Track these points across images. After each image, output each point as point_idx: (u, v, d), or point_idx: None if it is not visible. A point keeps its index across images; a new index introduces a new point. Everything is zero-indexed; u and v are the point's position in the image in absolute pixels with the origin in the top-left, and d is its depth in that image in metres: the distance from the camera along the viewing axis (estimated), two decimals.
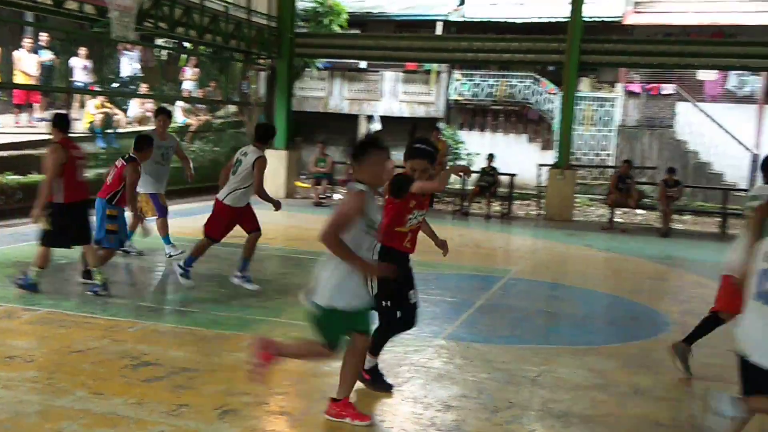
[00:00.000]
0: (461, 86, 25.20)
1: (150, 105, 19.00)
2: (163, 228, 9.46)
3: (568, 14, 16.22)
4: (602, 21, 23.27)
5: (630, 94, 24.48)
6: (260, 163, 7.69)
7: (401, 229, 5.04)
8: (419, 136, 5.26)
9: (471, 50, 17.69)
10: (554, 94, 23.78)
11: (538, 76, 24.52)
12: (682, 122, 23.66)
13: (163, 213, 9.42)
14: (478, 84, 25.05)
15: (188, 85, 20.07)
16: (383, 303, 5.03)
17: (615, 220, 16.07)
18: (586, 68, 20.90)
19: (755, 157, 22.75)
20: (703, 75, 23.61)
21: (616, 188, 15.52)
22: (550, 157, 21.08)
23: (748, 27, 22.63)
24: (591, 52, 16.43)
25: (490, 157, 16.77)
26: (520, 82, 24.68)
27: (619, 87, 24.57)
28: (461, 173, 5.97)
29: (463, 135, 24.85)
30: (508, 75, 24.80)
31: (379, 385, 5.18)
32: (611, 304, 8.95)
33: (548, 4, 23.37)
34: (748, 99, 23.57)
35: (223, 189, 7.86)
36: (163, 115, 9.61)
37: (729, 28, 23.11)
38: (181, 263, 7.94)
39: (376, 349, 5.15)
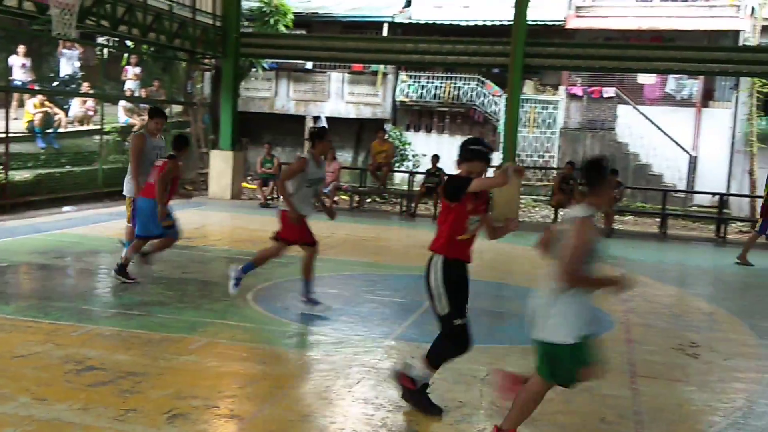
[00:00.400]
0: (407, 88, 25.30)
1: (91, 104, 18.64)
2: (130, 234, 9.20)
3: (512, 18, 16.42)
4: (545, 25, 23.63)
5: (572, 96, 24.89)
6: (294, 162, 7.34)
7: (462, 237, 4.71)
8: (474, 136, 4.74)
9: (417, 52, 17.79)
10: (499, 96, 24.05)
11: (483, 79, 24.76)
12: (623, 125, 24.16)
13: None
14: (424, 86, 25.18)
15: (131, 85, 19.73)
16: (455, 322, 4.71)
17: (559, 220, 16.29)
18: (530, 71, 21.20)
19: (693, 158, 23.39)
20: (642, 78, 24.13)
21: (560, 189, 15.77)
22: (496, 158, 21.31)
23: (685, 32, 23.23)
24: (534, 56, 16.67)
25: (436, 158, 16.88)
26: (466, 84, 24.89)
27: (562, 90, 24.96)
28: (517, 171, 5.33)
29: (410, 136, 24.95)
30: (454, 77, 24.98)
31: (423, 403, 4.82)
32: None
33: (493, 7, 23.62)
34: (686, 102, 24.18)
35: None
36: (159, 116, 9.35)
37: (667, 32, 23.69)
38: (308, 294, 7.39)
39: (437, 360, 4.84)
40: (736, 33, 23.47)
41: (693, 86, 24.05)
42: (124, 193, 8.93)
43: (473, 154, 4.69)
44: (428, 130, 25.39)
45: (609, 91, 24.38)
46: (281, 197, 7.33)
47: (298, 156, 7.40)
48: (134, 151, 8.66)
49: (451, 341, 4.79)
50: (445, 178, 16.58)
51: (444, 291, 4.69)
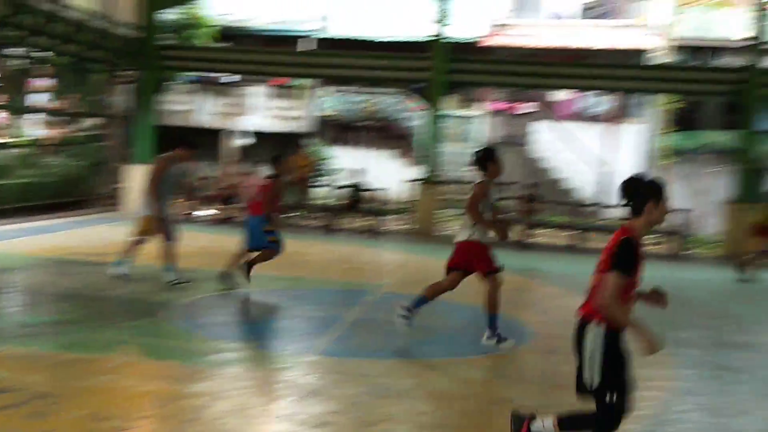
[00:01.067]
0: (330, 102, 25.32)
1: (3, 116, 18.02)
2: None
3: (432, 34, 16.67)
4: (465, 42, 24.01)
5: (493, 112, 25.34)
6: (476, 188, 7.03)
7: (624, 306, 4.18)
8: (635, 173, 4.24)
9: (338, 66, 17.86)
10: (421, 111, 24.29)
11: (405, 94, 24.99)
12: (540, 140, 24.72)
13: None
14: (346, 100, 25.26)
15: (43, 97, 19.15)
16: (608, 395, 4.10)
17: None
18: (451, 87, 21.48)
19: (607, 173, 24.09)
20: (559, 94, 24.78)
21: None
22: (418, 172, 21.48)
23: (599, 51, 23.98)
24: (454, 72, 16.94)
25: (357, 172, 16.94)
26: (388, 98, 25.08)
27: (483, 106, 25.39)
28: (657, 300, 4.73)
29: (333, 151, 24.94)
30: (376, 91, 25.14)
31: None
32: (478, 316, 9.15)
33: (413, 24, 23.84)
34: (600, 117, 24.91)
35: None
36: (189, 147, 9.35)
37: (582, 51, 24.41)
38: (408, 307, 7.22)
39: (569, 426, 4.30)
40: (646, 51, 24.35)
41: (607, 102, 24.81)
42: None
43: (660, 188, 4.33)
44: (351, 144, 25.46)
45: (527, 107, 24.93)
46: (476, 220, 6.98)
47: (476, 182, 7.06)
48: (155, 175, 8.81)
49: (601, 417, 4.22)
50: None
51: (599, 361, 4.12)
